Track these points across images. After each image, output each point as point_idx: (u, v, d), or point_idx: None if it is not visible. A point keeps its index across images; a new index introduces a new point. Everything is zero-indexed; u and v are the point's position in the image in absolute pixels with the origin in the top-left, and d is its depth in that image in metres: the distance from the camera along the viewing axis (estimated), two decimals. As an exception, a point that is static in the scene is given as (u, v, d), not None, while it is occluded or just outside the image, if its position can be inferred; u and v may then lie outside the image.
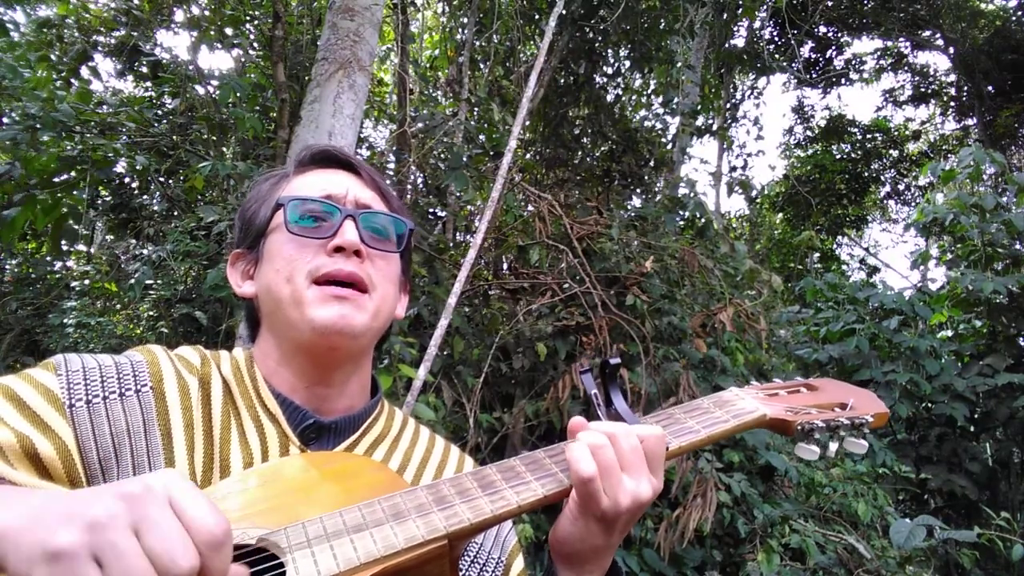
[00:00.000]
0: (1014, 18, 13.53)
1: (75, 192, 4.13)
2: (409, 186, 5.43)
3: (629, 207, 6.75)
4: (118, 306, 5.28)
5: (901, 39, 14.68)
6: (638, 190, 7.72)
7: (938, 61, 23.42)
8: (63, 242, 4.37)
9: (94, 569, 0.45)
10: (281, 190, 0.91)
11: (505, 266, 5.31)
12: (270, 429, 0.81)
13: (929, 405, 5.77)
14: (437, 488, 0.69)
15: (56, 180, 4.10)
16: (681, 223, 5.52)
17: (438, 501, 0.67)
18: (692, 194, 5.39)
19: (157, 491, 0.49)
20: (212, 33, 5.53)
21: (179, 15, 5.80)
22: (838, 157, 15.47)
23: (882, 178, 15.93)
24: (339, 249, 0.82)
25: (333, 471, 0.73)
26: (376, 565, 0.60)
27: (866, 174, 15.40)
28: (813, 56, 14.88)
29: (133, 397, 0.75)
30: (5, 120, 4.08)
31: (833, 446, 0.85)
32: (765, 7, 9.07)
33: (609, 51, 7.41)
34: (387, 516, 0.64)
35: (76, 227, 4.23)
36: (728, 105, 12.25)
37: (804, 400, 0.90)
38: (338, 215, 0.84)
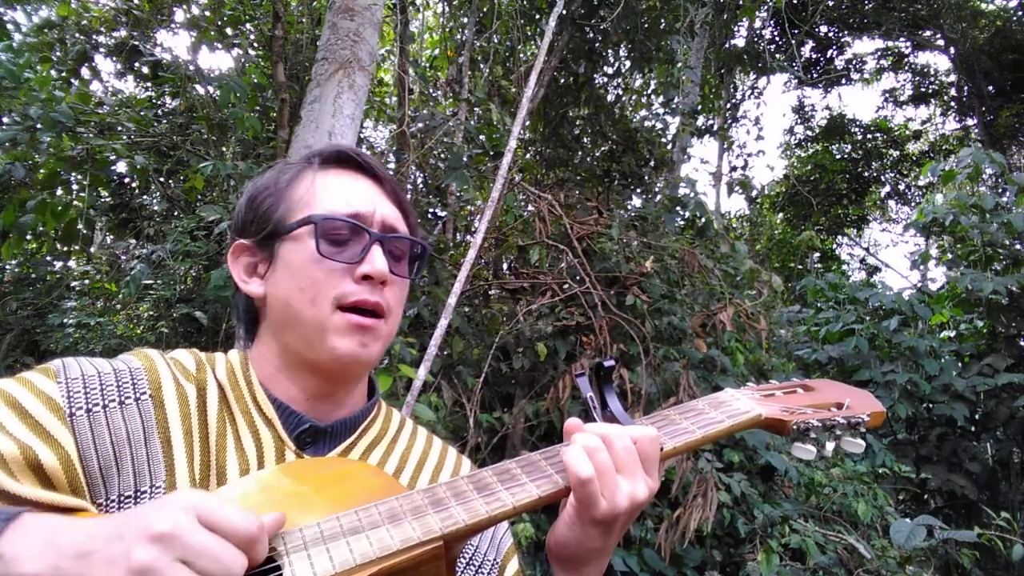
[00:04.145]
0: (1015, 18, 13.53)
1: (82, 193, 4.16)
2: (409, 186, 5.43)
3: (629, 207, 6.75)
4: (118, 306, 5.28)
5: (901, 39, 14.68)
6: (638, 190, 7.72)
7: (938, 61, 23.40)
8: (74, 244, 4.41)
9: None
10: (302, 188, 0.87)
11: (505, 266, 5.31)
12: (266, 434, 0.80)
13: (929, 405, 5.77)
14: (433, 491, 0.70)
15: (57, 181, 4.12)
16: (681, 223, 5.51)
17: (434, 503, 0.68)
18: (692, 194, 5.37)
19: (187, 520, 0.53)
20: (212, 33, 5.53)
21: (179, 15, 5.81)
22: (838, 157, 15.48)
23: (882, 178, 15.93)
24: (366, 276, 0.82)
25: (330, 476, 0.73)
26: (372, 566, 0.60)
27: (866, 174, 15.41)
28: (813, 56, 14.89)
29: (133, 405, 0.74)
30: (5, 120, 4.08)
31: (830, 446, 0.85)
32: (765, 7, 9.07)
33: (609, 51, 7.41)
34: (383, 518, 0.65)
35: (84, 230, 4.28)
36: (728, 105, 12.25)
37: (800, 400, 0.90)
38: (366, 238, 0.83)
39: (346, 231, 0.82)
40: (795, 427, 0.84)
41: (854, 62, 15.46)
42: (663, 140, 7.73)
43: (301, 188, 0.87)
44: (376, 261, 0.82)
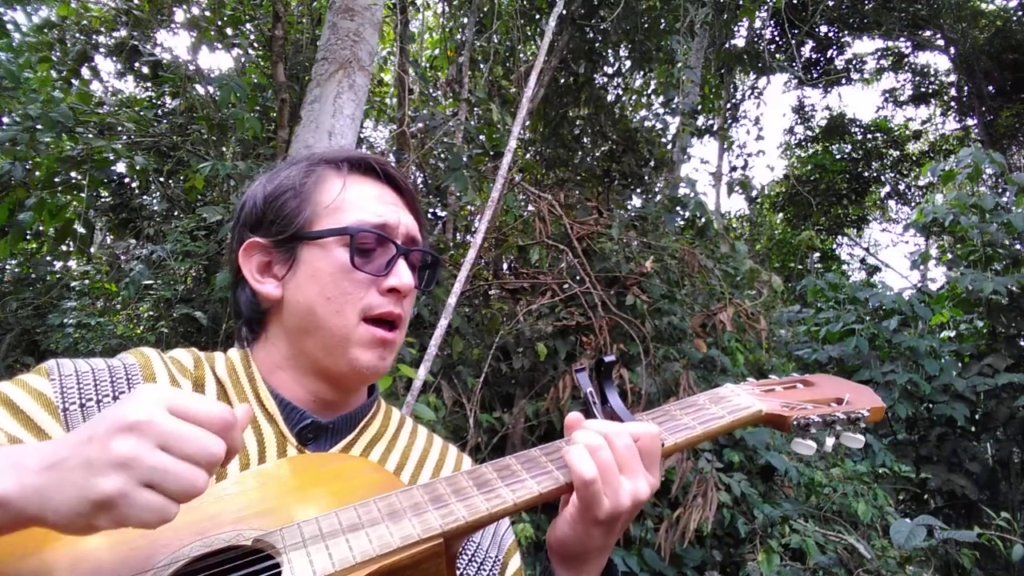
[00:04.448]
0: (1015, 18, 13.53)
1: (80, 193, 4.15)
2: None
3: (629, 207, 6.75)
4: (118, 306, 5.28)
5: (901, 39, 14.68)
6: (638, 190, 7.72)
7: (938, 61, 23.41)
8: (70, 244, 4.40)
9: (150, 492, 0.50)
10: (329, 193, 0.85)
11: (505, 266, 5.31)
12: (267, 429, 0.81)
13: (929, 405, 5.77)
14: (433, 487, 0.69)
15: (56, 180, 4.12)
16: (681, 223, 5.51)
17: (434, 500, 0.67)
18: (692, 194, 5.37)
19: (156, 409, 0.52)
20: (212, 33, 5.53)
21: (179, 15, 5.81)
22: (838, 157, 15.47)
23: (882, 178, 15.93)
24: (392, 289, 0.82)
25: (330, 472, 0.73)
26: (372, 564, 0.60)
27: (867, 174, 15.40)
28: (814, 56, 14.88)
29: None
30: (5, 120, 4.09)
31: (830, 441, 0.85)
32: (765, 7, 9.07)
33: (609, 51, 7.41)
34: (383, 515, 0.64)
35: (81, 230, 4.28)
36: (728, 105, 12.26)
37: (800, 396, 0.90)
38: (392, 250, 0.84)
39: (373, 242, 0.83)
40: (795, 423, 0.84)
41: (854, 62, 15.46)
42: (663, 140, 7.73)
43: (327, 193, 0.85)
44: (403, 275, 0.83)
